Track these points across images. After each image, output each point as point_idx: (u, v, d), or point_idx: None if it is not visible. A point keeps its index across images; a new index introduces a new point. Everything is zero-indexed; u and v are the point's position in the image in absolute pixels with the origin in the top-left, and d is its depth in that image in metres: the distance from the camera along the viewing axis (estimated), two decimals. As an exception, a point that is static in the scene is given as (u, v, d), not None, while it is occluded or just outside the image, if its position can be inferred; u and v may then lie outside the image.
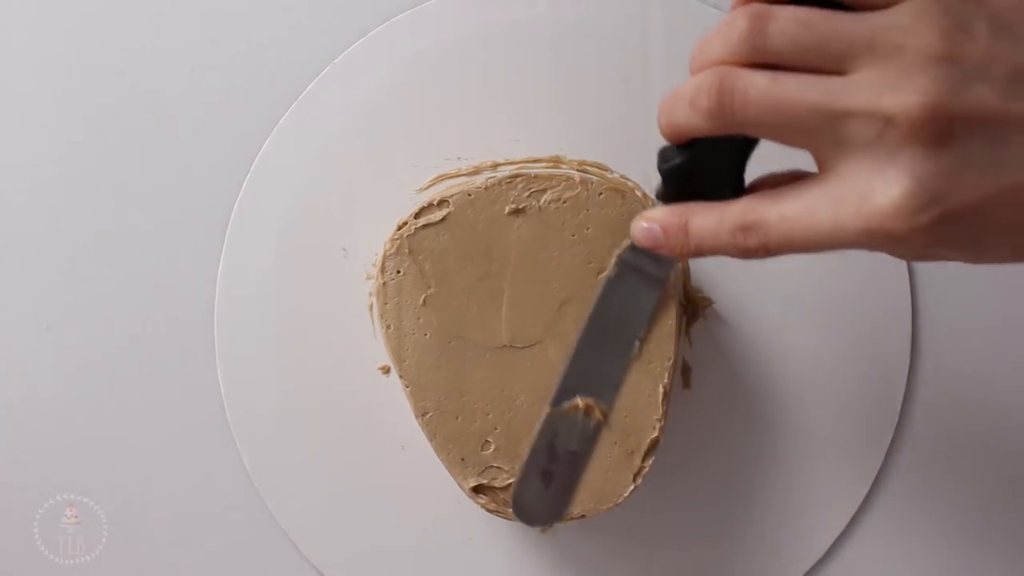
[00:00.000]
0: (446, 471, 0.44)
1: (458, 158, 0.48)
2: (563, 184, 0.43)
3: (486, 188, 0.43)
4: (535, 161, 0.48)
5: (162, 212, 0.50)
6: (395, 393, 0.46)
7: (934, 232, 0.27)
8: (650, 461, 0.43)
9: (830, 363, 0.49)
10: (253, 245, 0.49)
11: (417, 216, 0.43)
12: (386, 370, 0.48)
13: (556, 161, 0.48)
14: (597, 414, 0.37)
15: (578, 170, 0.47)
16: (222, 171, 0.49)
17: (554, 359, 0.43)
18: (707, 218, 0.32)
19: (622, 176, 0.48)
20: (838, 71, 0.28)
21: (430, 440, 0.43)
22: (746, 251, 0.31)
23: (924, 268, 0.49)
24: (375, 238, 0.46)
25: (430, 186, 0.48)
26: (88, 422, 0.50)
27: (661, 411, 0.43)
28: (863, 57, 0.27)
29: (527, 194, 0.43)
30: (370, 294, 0.48)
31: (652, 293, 0.36)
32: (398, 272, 0.43)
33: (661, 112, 0.31)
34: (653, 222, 0.33)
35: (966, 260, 0.29)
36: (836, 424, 0.49)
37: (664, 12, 0.49)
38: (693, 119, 0.30)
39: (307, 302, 0.49)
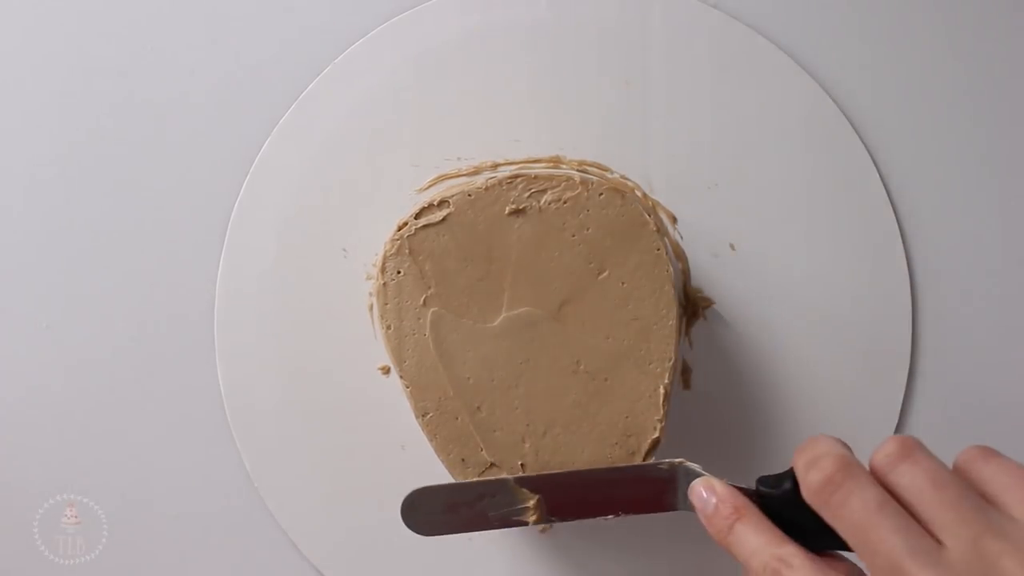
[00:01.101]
0: (446, 471, 0.44)
1: (458, 158, 0.48)
2: (563, 184, 0.43)
3: (486, 188, 0.43)
4: (535, 161, 0.48)
5: (162, 212, 0.50)
6: (395, 393, 0.46)
7: None
8: (650, 462, 0.43)
9: (830, 363, 0.49)
10: (253, 245, 0.49)
11: (417, 216, 0.43)
12: (386, 370, 0.48)
13: (556, 161, 0.48)
14: (533, 516, 0.40)
15: (578, 170, 0.47)
16: (222, 171, 0.49)
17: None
18: (754, 536, 0.33)
19: (622, 176, 0.48)
20: (937, 536, 0.29)
21: (430, 440, 0.43)
22: None
23: (924, 268, 0.49)
24: (375, 238, 0.46)
25: (430, 186, 0.48)
26: (88, 422, 0.50)
27: (661, 411, 0.43)
28: (965, 548, 0.28)
29: (527, 194, 0.43)
30: (370, 294, 0.48)
31: (665, 500, 0.39)
32: (398, 272, 0.43)
33: (803, 445, 0.33)
34: (713, 494, 0.35)
35: None
36: (836, 424, 0.49)
37: (664, 12, 0.49)
38: (802, 475, 0.32)
39: (307, 302, 0.49)
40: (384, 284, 0.43)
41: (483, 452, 0.43)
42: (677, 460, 0.39)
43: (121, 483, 0.50)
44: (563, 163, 0.48)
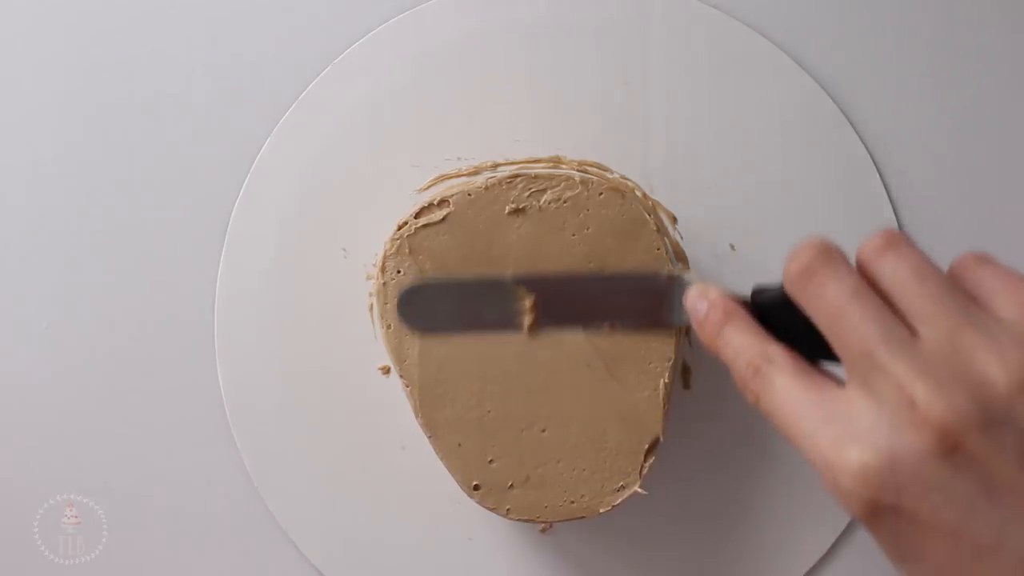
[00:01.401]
0: (446, 471, 0.44)
1: (458, 158, 0.49)
2: (563, 184, 0.43)
3: (486, 188, 0.43)
4: (535, 161, 0.48)
5: (162, 212, 0.50)
6: (395, 393, 0.46)
7: (872, 513, 0.27)
8: (650, 461, 0.43)
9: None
10: (253, 245, 0.49)
11: (417, 216, 0.43)
12: (386, 370, 0.48)
13: (556, 161, 0.48)
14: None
15: (578, 170, 0.47)
16: (222, 171, 0.49)
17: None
18: (742, 335, 0.32)
19: (622, 176, 0.48)
20: (913, 327, 0.28)
21: (430, 440, 0.43)
22: (744, 387, 0.32)
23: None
24: (375, 238, 0.46)
25: (430, 186, 0.48)
26: (88, 422, 0.50)
27: (661, 411, 0.43)
28: (940, 339, 0.27)
29: (527, 194, 0.43)
30: (370, 294, 0.48)
31: (660, 313, 0.38)
32: (398, 272, 0.43)
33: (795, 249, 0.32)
34: (705, 299, 0.34)
35: (888, 556, 0.29)
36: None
37: (664, 12, 0.49)
38: (784, 268, 0.31)
39: (307, 302, 0.49)
40: (384, 284, 0.43)
41: (483, 450, 0.43)
42: (676, 271, 0.38)
43: (121, 483, 0.50)
44: (563, 163, 0.48)
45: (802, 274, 0.30)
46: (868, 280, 0.29)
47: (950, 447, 0.26)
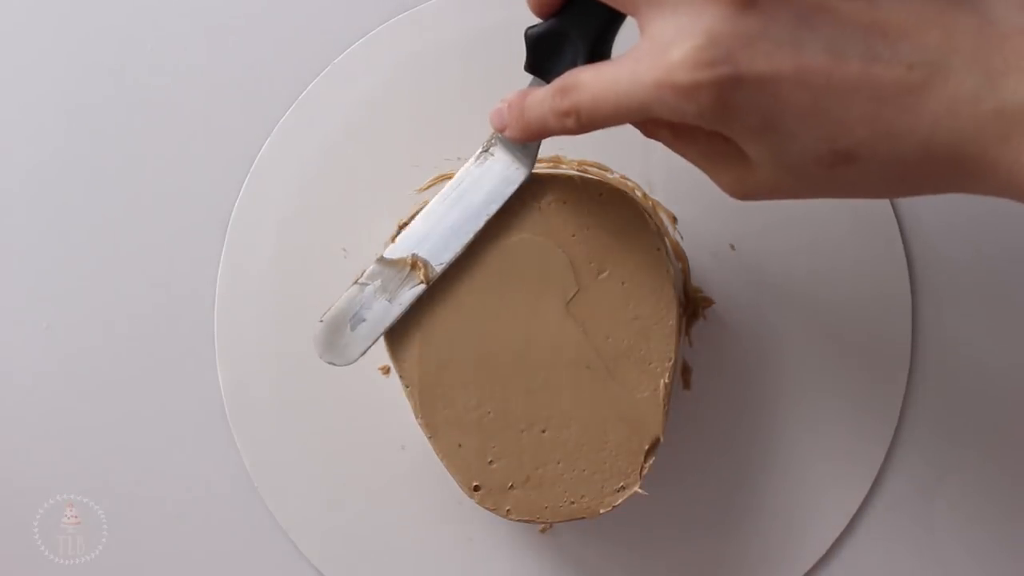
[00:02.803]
0: (446, 471, 0.44)
1: (458, 158, 0.48)
2: (563, 184, 0.43)
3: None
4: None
5: (162, 212, 0.50)
6: (395, 393, 0.46)
7: (720, 95, 0.28)
8: (650, 462, 0.43)
9: (830, 363, 0.49)
10: (253, 245, 0.49)
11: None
12: (386, 370, 0.48)
13: (556, 161, 0.48)
14: (421, 275, 0.40)
15: (578, 170, 0.47)
16: (222, 171, 0.49)
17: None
18: (537, 91, 0.33)
19: (622, 176, 0.48)
20: None
21: (429, 439, 0.43)
22: (562, 114, 0.32)
23: (924, 268, 0.49)
24: (375, 238, 0.46)
25: (430, 186, 0.48)
26: (88, 422, 0.50)
27: (662, 411, 0.43)
28: None
29: (527, 194, 0.43)
30: (370, 294, 0.48)
31: (517, 174, 0.40)
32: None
33: None
34: (504, 101, 0.35)
35: (775, 160, 0.30)
36: (836, 424, 0.49)
37: (664, 12, 0.49)
38: None
39: (307, 302, 0.49)
40: (384, 284, 0.43)
41: (483, 451, 0.43)
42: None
43: (121, 483, 0.50)
44: (563, 163, 0.48)
45: None
46: None
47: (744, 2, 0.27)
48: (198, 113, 0.50)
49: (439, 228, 0.41)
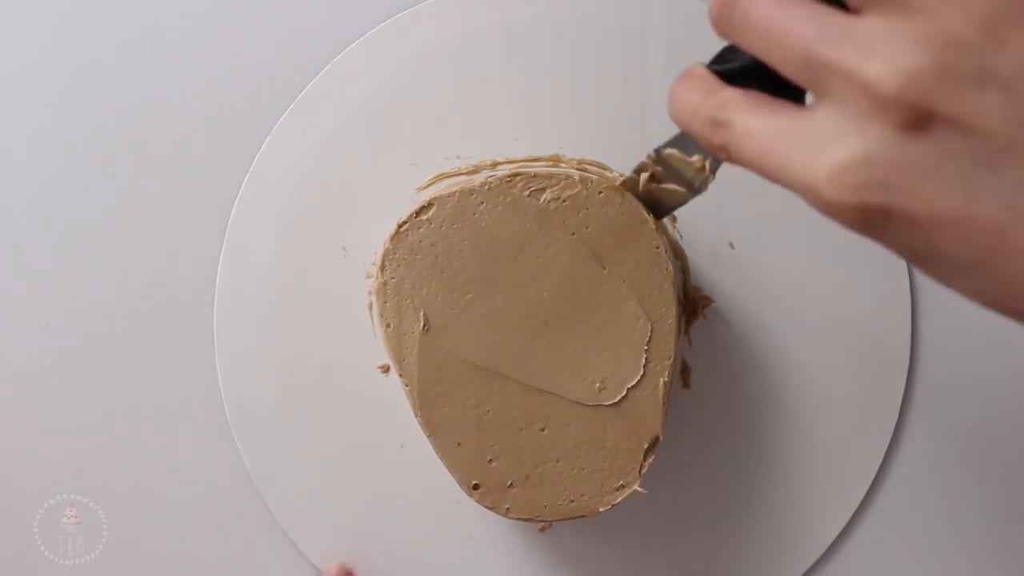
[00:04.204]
0: (446, 470, 0.44)
1: (458, 157, 0.49)
2: (563, 183, 0.43)
3: (487, 187, 0.43)
4: (535, 160, 0.48)
5: (162, 211, 0.50)
6: (395, 392, 0.46)
7: (866, 221, 0.24)
8: (649, 460, 0.43)
9: (830, 363, 0.49)
10: (253, 244, 0.49)
11: (417, 215, 0.43)
12: (386, 369, 0.48)
13: (556, 160, 0.48)
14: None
15: (578, 169, 0.47)
16: (222, 170, 0.49)
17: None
18: (692, 92, 0.29)
19: (622, 175, 0.48)
20: (856, 8, 0.25)
21: (429, 438, 0.43)
22: (712, 147, 0.29)
23: (924, 267, 0.49)
24: (375, 237, 0.46)
25: (429, 185, 0.48)
26: (88, 422, 0.50)
27: (661, 410, 0.43)
28: (885, 5, 0.24)
29: (527, 193, 0.43)
30: (370, 293, 0.48)
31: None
32: (398, 270, 0.43)
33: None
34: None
35: (908, 262, 0.27)
36: (836, 424, 0.49)
37: (664, 12, 0.49)
38: (709, 13, 0.28)
39: (307, 301, 0.49)
40: (384, 283, 0.43)
41: (482, 449, 0.43)
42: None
43: (121, 483, 0.50)
44: (562, 162, 0.48)
45: (723, 9, 0.27)
46: None
47: (920, 119, 0.23)
48: (198, 112, 0.50)
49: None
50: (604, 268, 0.42)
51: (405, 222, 0.43)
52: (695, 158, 0.38)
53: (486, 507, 0.43)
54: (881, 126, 0.24)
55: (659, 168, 0.40)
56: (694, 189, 0.39)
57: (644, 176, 0.41)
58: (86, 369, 0.50)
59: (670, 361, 0.43)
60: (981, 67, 0.23)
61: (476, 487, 0.43)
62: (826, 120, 0.25)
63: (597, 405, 0.42)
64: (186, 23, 0.50)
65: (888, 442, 0.49)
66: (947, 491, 0.49)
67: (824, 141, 0.25)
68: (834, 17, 0.25)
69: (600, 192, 0.42)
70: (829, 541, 0.49)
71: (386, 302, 0.43)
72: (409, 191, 0.48)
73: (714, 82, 0.29)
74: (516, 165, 0.47)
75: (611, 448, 0.43)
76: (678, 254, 0.48)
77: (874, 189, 0.24)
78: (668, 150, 0.39)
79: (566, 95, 0.49)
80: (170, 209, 0.50)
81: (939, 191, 0.23)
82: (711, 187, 0.38)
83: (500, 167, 0.48)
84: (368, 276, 0.48)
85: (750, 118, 0.28)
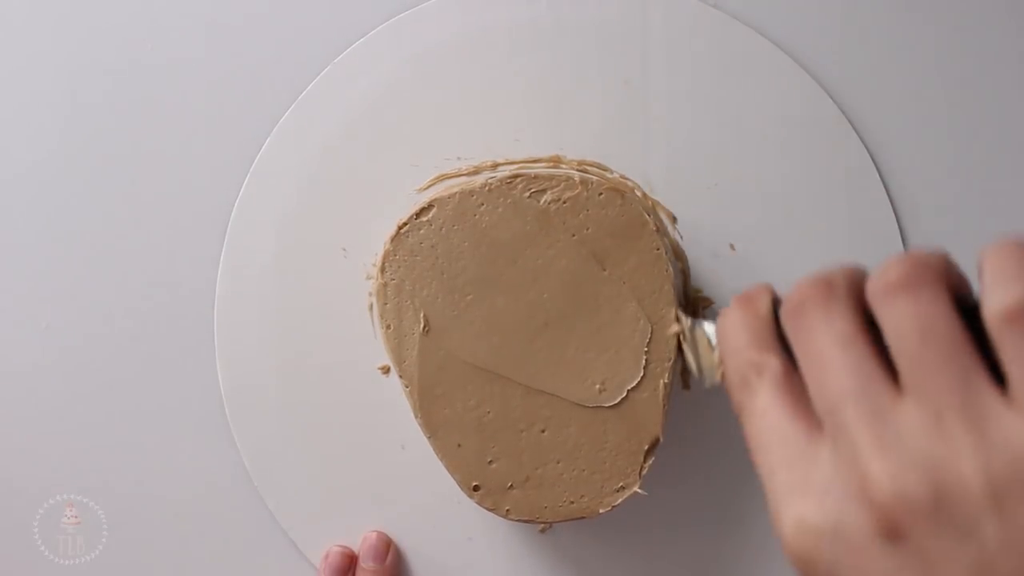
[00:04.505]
0: (446, 471, 0.44)
1: (458, 158, 0.48)
2: (563, 184, 0.43)
3: (487, 188, 0.43)
4: (535, 161, 0.48)
5: (162, 212, 0.50)
6: (395, 393, 0.46)
7: (807, 572, 0.25)
8: (650, 462, 0.43)
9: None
10: (253, 245, 0.49)
11: (417, 216, 0.43)
12: (386, 370, 0.48)
13: (556, 161, 0.48)
14: None
15: (578, 170, 0.47)
16: (222, 171, 0.49)
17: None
18: (744, 331, 0.29)
19: (622, 176, 0.48)
20: (904, 386, 0.24)
21: (429, 439, 0.43)
22: (731, 393, 0.30)
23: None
24: (375, 238, 0.46)
25: (430, 186, 0.48)
26: (88, 422, 0.50)
27: (661, 412, 0.43)
28: (922, 414, 0.24)
29: (527, 194, 0.43)
30: (370, 294, 0.48)
31: None
32: (398, 271, 0.43)
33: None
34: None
35: None
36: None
37: (664, 12, 0.49)
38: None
39: (307, 302, 0.49)
40: (384, 284, 0.43)
41: (483, 450, 0.43)
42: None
43: (121, 483, 0.50)
44: (563, 163, 0.48)
45: (794, 311, 0.27)
46: (875, 318, 0.26)
47: (894, 533, 0.23)
48: (198, 113, 0.50)
49: None
50: (604, 269, 0.42)
51: (405, 223, 0.43)
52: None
53: (486, 508, 0.43)
54: (858, 514, 0.24)
55: (685, 334, 0.39)
56: (700, 375, 0.38)
57: (674, 328, 0.41)
58: (86, 369, 0.50)
59: (670, 363, 0.43)
60: (975, 523, 0.23)
61: (476, 488, 0.43)
62: (823, 467, 0.25)
63: (597, 406, 0.42)
64: (186, 23, 0.50)
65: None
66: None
67: (808, 485, 0.25)
68: (880, 388, 0.25)
69: (601, 193, 0.42)
70: (829, 542, 0.49)
71: (386, 303, 0.43)
72: (409, 192, 0.48)
73: (768, 334, 0.29)
74: (516, 166, 0.47)
75: (611, 449, 0.43)
76: (679, 255, 0.48)
77: (825, 558, 0.25)
78: (707, 327, 0.37)
79: (567, 96, 0.49)
80: (170, 210, 0.50)
81: None
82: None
83: (500, 168, 0.48)
84: (368, 277, 0.48)
85: (772, 402, 0.28)
